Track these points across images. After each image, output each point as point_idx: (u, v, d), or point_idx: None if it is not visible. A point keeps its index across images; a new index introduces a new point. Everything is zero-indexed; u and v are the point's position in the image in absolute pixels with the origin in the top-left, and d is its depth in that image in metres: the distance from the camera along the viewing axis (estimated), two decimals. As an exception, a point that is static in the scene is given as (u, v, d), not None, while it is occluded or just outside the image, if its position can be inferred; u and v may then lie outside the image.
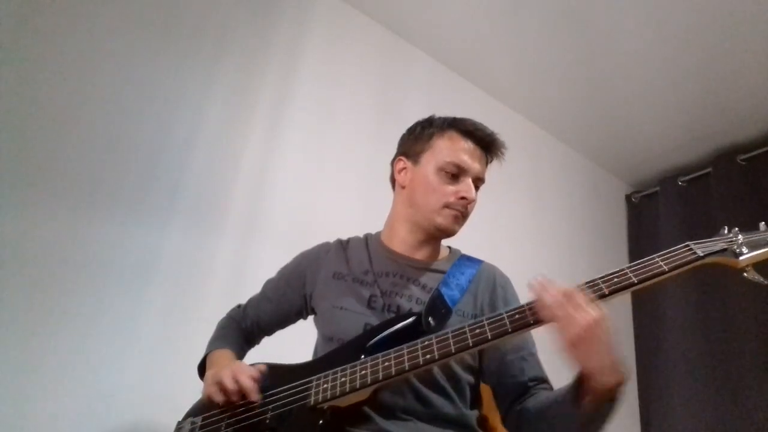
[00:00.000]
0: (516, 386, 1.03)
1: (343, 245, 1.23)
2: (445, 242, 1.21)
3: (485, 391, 1.10)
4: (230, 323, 1.28)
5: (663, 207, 3.13)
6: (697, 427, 2.53)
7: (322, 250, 1.24)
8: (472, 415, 1.03)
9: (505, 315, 0.87)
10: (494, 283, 1.14)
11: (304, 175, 2.03)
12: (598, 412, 0.82)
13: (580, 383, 0.84)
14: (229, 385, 0.94)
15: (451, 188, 1.10)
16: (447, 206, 1.09)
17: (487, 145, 1.14)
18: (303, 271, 1.22)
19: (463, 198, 1.09)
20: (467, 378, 1.04)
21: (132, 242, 1.60)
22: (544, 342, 1.07)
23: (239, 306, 1.32)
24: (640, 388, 2.87)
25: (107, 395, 1.45)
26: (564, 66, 2.61)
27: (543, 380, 1.04)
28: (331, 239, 1.28)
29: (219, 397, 0.96)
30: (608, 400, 0.82)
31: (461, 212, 1.10)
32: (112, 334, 1.51)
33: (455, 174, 1.10)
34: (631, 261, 0.88)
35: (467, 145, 1.12)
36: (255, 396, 0.93)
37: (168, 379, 1.51)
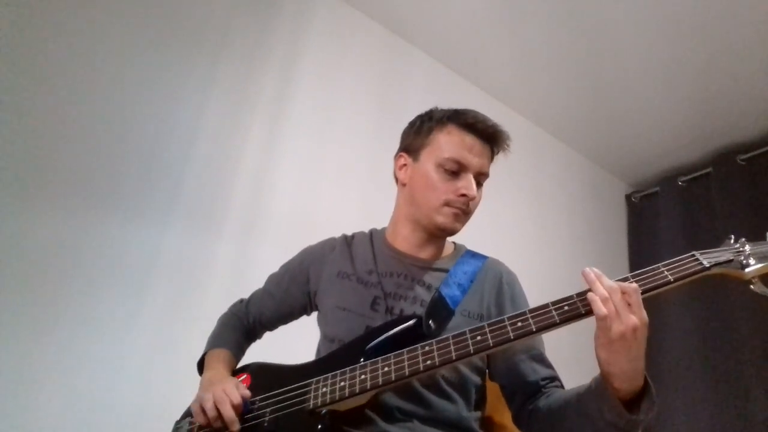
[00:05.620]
0: (527, 386, 1.01)
1: (347, 241, 1.21)
2: (450, 238, 1.18)
3: (491, 390, 1.09)
4: (231, 319, 1.27)
5: (663, 207, 3.13)
6: (697, 426, 2.53)
7: (327, 246, 1.22)
8: (475, 417, 1.02)
9: (507, 322, 0.85)
10: (500, 280, 1.11)
11: (303, 175, 2.03)
12: (615, 426, 0.80)
13: (601, 388, 0.82)
14: (210, 413, 0.93)
15: (451, 185, 1.06)
16: (447, 204, 1.06)
17: (489, 137, 1.10)
18: (307, 268, 1.20)
19: (463, 195, 1.05)
20: (474, 379, 1.03)
21: (132, 242, 1.61)
22: (547, 342, 1.07)
23: (241, 301, 1.31)
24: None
25: (107, 394, 1.45)
26: (564, 66, 2.61)
27: (554, 378, 1.03)
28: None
29: (200, 419, 0.95)
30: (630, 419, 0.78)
31: (462, 210, 1.07)
32: (112, 334, 1.51)
33: (455, 170, 1.06)
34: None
35: (467, 139, 1.07)
36: (235, 427, 0.91)
37: (167, 379, 1.51)
